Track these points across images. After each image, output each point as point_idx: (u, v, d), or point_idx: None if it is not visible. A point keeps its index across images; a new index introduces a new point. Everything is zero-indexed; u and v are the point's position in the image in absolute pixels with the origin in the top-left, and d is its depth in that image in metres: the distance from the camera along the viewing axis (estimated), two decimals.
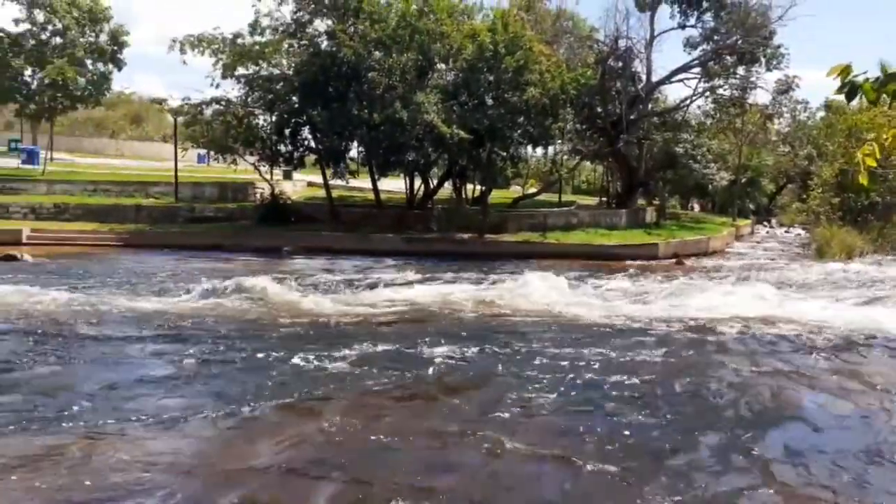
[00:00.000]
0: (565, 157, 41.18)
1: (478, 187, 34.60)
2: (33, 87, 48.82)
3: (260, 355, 10.07)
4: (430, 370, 9.63)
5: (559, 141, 36.65)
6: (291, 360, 9.78)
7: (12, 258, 20.70)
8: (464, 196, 34.47)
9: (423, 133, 27.34)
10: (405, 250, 26.01)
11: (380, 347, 10.65)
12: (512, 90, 28.44)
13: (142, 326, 11.83)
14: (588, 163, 49.60)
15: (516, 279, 17.61)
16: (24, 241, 25.42)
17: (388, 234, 28.02)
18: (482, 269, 21.09)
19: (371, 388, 8.77)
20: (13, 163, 40.64)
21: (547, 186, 41.06)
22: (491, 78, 28.54)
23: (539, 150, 40.05)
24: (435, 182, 33.87)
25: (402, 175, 33.12)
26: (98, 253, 24.05)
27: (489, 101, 28.94)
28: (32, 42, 48.27)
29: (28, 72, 48.99)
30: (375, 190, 32.19)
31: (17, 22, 47.99)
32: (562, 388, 8.93)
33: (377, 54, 28.17)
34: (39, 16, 48.03)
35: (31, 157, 41.05)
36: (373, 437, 7.15)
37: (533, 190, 41.32)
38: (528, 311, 14.05)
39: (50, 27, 48.23)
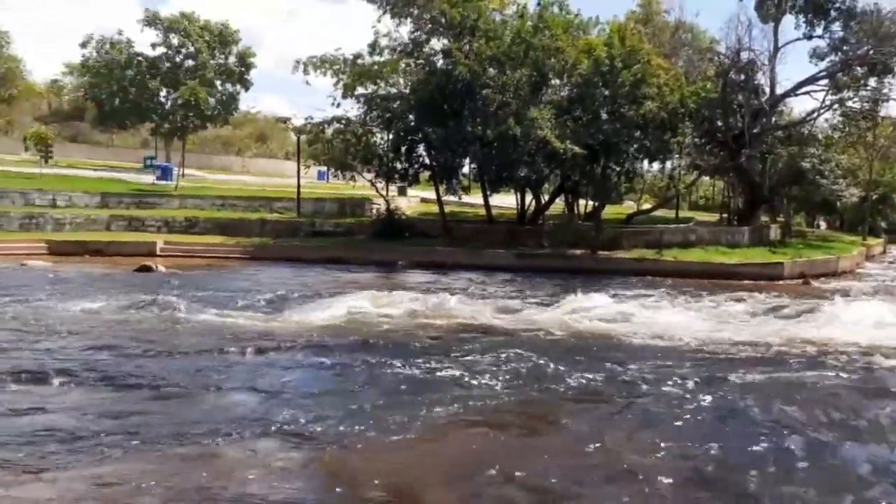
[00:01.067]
0: (683, 171, 40.09)
1: (590, 203, 34.21)
2: (167, 107, 52.26)
3: (393, 366, 10.37)
4: (555, 388, 9.62)
5: (677, 155, 35.76)
6: (424, 368, 10.03)
7: (148, 269, 22.09)
8: (576, 211, 34.16)
9: (536, 149, 27.35)
10: (517, 266, 26.06)
11: (510, 365, 10.71)
12: (628, 104, 28.05)
13: (293, 338, 12.31)
14: (707, 178, 48.09)
15: (638, 299, 17.25)
16: (158, 252, 27.06)
17: (500, 249, 28.12)
18: (597, 285, 20.76)
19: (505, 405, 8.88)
20: (149, 179, 43.31)
21: (663, 202, 40.09)
22: (606, 92, 28.25)
23: (655, 165, 39.19)
24: (546, 197, 33.75)
25: (513, 190, 33.20)
26: (225, 265, 25.32)
27: (604, 116, 28.64)
28: (167, 65, 51.74)
29: (163, 93, 52.57)
30: (487, 205, 32.42)
31: (154, 46, 51.58)
32: (685, 420, 8.73)
33: (491, 71, 28.46)
34: (174, 40, 51.42)
35: (165, 173, 43.64)
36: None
37: (648, 206, 40.43)
38: (650, 332, 13.73)
39: (184, 50, 51.56)
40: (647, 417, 8.61)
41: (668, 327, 14.10)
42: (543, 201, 33.38)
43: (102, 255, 26.07)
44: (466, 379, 9.87)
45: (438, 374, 10.10)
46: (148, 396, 8.90)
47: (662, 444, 7.59)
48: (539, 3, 30.22)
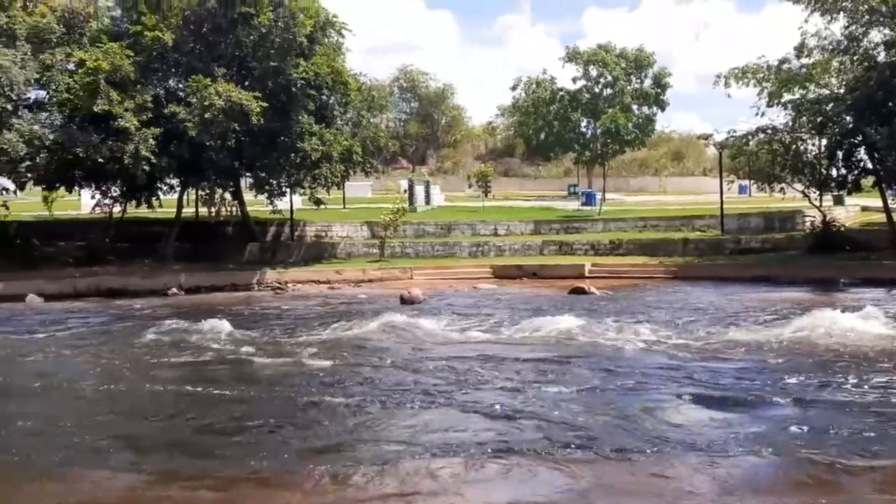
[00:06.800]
0: None
1: None
2: (588, 136, 55.31)
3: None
4: None
5: None
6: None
7: (582, 291, 23.37)
8: None
9: None
10: None
11: None
12: None
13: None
14: None
15: None
16: (586, 274, 28.51)
17: None
18: None
19: None
20: (573, 205, 46.12)
21: None
22: None
23: None
24: None
25: None
26: (650, 285, 25.65)
27: None
28: (587, 96, 54.71)
29: (584, 123, 55.80)
30: None
31: (574, 80, 55.10)
32: None
33: None
34: (593, 71, 54.24)
35: (589, 199, 45.95)
36: None
37: None
38: None
39: (602, 80, 54.08)
40: None
41: None
42: None
43: (537, 278, 28.37)
44: None
45: None
46: None
47: None
48: None
